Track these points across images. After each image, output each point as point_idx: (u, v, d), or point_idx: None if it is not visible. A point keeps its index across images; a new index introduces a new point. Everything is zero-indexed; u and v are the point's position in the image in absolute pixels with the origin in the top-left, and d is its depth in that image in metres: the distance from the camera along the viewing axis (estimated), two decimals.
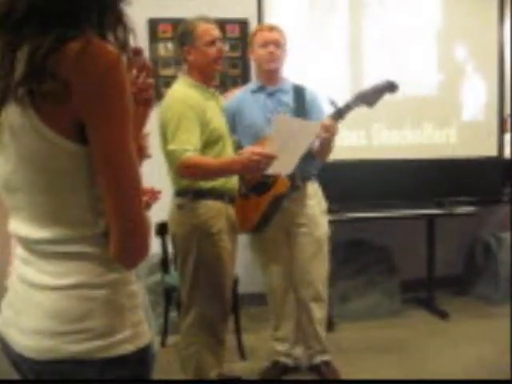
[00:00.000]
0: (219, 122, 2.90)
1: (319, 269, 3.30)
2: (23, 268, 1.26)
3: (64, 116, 1.12)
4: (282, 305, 3.41)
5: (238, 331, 3.80)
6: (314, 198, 3.30)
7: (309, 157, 3.16)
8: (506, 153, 4.92)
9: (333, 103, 3.02)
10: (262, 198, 3.17)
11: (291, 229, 3.29)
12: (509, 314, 3.97)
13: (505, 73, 4.85)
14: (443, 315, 4.48)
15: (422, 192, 4.61)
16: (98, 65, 1.09)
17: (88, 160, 1.15)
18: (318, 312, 3.34)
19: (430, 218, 4.68)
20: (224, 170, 2.81)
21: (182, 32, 2.95)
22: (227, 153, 2.90)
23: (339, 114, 3.01)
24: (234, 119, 3.21)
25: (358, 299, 4.51)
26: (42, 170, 1.17)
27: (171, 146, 2.74)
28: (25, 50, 1.12)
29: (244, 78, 4.67)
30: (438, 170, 4.65)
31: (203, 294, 2.89)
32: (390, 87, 2.99)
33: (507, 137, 4.95)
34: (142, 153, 1.53)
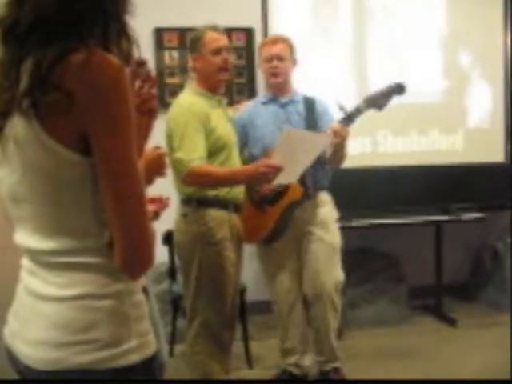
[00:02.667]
0: (225, 131, 2.90)
1: (333, 276, 3.26)
2: (29, 279, 1.27)
3: (68, 127, 1.12)
4: (289, 316, 3.38)
5: (245, 339, 3.79)
6: (326, 206, 3.29)
7: (321, 165, 3.17)
8: None
9: (342, 108, 3.01)
10: (274, 208, 3.16)
11: (303, 237, 3.27)
12: None
13: (510, 78, 4.84)
14: (451, 322, 4.46)
15: (428, 198, 4.60)
16: (101, 76, 1.10)
17: (92, 171, 1.16)
18: (331, 320, 3.29)
19: (438, 225, 4.67)
20: (231, 180, 2.83)
21: (190, 40, 2.97)
22: (232, 161, 2.91)
23: (349, 118, 3.00)
24: (245, 131, 3.23)
25: (366, 306, 4.50)
26: (46, 181, 1.17)
27: (178, 155, 2.75)
28: (29, 61, 1.13)
29: (249, 87, 4.68)
30: (445, 176, 4.64)
31: (207, 303, 2.89)
32: (398, 89, 3.00)
33: None
34: (159, 171, 1.54)
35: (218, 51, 2.87)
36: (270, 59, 3.19)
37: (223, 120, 2.93)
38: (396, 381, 3.42)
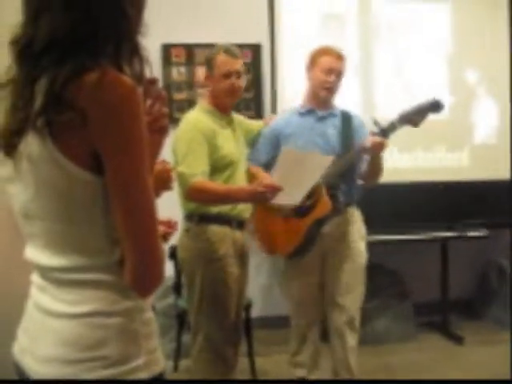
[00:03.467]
0: (231, 149, 2.91)
1: (355, 296, 3.22)
2: (39, 295, 1.28)
3: (81, 145, 1.14)
4: (308, 332, 3.31)
5: (250, 355, 3.78)
6: (355, 224, 3.23)
7: (353, 181, 3.14)
8: None
9: (376, 123, 2.96)
10: (303, 221, 3.08)
11: (330, 254, 3.20)
12: None
13: None
14: (457, 339, 4.44)
15: (434, 215, 4.60)
16: (114, 95, 1.12)
17: (104, 189, 1.17)
18: (351, 340, 3.24)
19: (443, 241, 4.66)
20: (230, 198, 2.84)
21: (206, 57, 2.99)
22: (237, 179, 2.92)
23: (383, 133, 2.94)
24: (278, 139, 3.17)
25: (371, 323, 4.48)
26: (59, 198, 1.19)
27: (181, 169, 2.78)
28: (43, 81, 1.15)
29: (256, 102, 4.70)
30: (451, 193, 4.64)
31: (209, 318, 2.89)
32: (435, 107, 2.90)
33: None
34: (165, 185, 1.55)
35: (227, 75, 2.87)
36: (329, 72, 3.10)
37: (231, 139, 2.95)
38: (396, 381, 3.39)
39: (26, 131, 1.16)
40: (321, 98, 3.17)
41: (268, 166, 3.09)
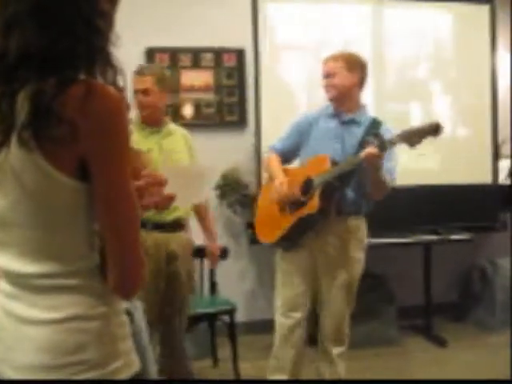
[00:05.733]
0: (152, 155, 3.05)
1: (344, 310, 3.21)
2: (10, 303, 1.26)
3: (68, 155, 1.16)
4: (290, 332, 3.25)
5: (234, 359, 3.77)
6: (355, 233, 3.20)
7: (361, 192, 3.12)
8: (501, 179, 4.95)
9: (377, 135, 2.96)
10: (294, 214, 3.12)
11: (325, 259, 3.18)
12: (506, 341, 3.97)
13: (498, 100, 4.90)
14: (441, 342, 4.47)
15: (417, 219, 4.62)
16: (104, 108, 1.14)
17: (88, 197, 1.19)
18: (337, 356, 3.24)
19: (426, 245, 4.69)
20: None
21: None
22: None
23: (381, 147, 2.90)
24: (303, 133, 3.26)
25: (355, 327, 4.45)
26: (42, 206, 1.19)
27: None
28: (24, 93, 1.15)
29: (240, 107, 4.70)
30: (434, 196, 4.66)
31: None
32: (434, 131, 2.88)
33: (502, 163, 4.99)
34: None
35: (135, 92, 3.14)
36: (322, 77, 3.23)
37: (153, 148, 3.10)
38: (396, 381, 3.40)
39: (8, 143, 1.16)
40: (328, 99, 3.25)
41: (284, 155, 3.30)
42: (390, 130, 3.14)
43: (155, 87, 3.17)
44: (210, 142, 4.62)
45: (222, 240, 4.45)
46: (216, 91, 4.68)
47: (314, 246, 3.17)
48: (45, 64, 1.16)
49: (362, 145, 3.04)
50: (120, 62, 1.25)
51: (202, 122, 4.66)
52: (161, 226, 3.11)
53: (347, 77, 3.16)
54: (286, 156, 3.32)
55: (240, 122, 4.71)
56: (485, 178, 4.88)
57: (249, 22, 4.50)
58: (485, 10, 4.86)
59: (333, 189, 3.04)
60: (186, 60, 4.62)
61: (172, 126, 3.32)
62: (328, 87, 3.20)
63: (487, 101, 4.90)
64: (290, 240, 3.19)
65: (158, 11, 4.52)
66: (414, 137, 2.87)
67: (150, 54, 4.53)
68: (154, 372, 3.38)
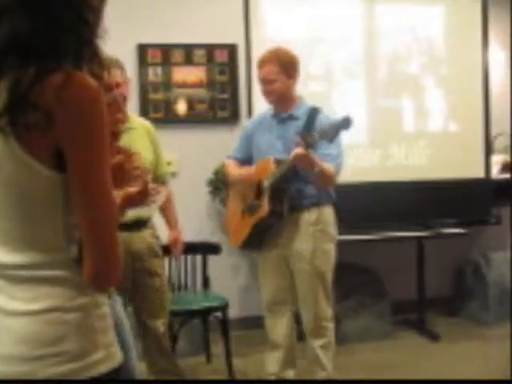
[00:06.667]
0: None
1: (319, 302, 3.25)
2: None
3: (44, 144, 1.16)
4: (276, 326, 3.35)
5: (227, 355, 3.77)
6: (316, 225, 3.22)
7: (303, 186, 3.18)
8: (493, 173, 4.96)
9: (302, 135, 3.04)
10: (250, 218, 3.23)
11: (289, 254, 3.25)
12: (500, 335, 3.99)
13: (490, 94, 4.90)
14: (434, 337, 4.48)
15: (410, 214, 4.63)
16: (81, 97, 1.15)
17: (64, 187, 1.20)
18: (319, 348, 3.27)
19: (419, 240, 4.70)
20: None
21: None
22: None
23: (307, 144, 2.98)
24: (251, 137, 3.38)
25: (348, 322, 4.50)
26: (20, 196, 1.21)
27: None
28: (6, 81, 1.17)
29: (233, 103, 4.70)
30: (426, 191, 4.67)
31: None
32: (345, 124, 2.96)
33: (494, 158, 5.00)
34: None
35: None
36: (260, 81, 3.28)
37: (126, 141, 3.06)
38: (395, 381, 3.41)
39: None
40: (269, 103, 3.34)
41: (243, 163, 3.38)
42: (329, 116, 3.25)
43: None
44: (202, 137, 4.63)
45: (214, 236, 4.46)
46: (208, 87, 4.68)
47: (280, 243, 3.24)
48: (30, 53, 1.17)
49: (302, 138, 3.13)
50: (107, 56, 1.27)
51: (195, 118, 4.66)
52: (123, 226, 3.05)
53: (285, 82, 3.25)
54: (244, 164, 3.41)
55: (232, 118, 4.71)
56: (477, 172, 4.89)
57: (241, 18, 4.49)
58: (477, 5, 4.86)
59: (280, 190, 3.12)
60: (178, 56, 4.61)
61: (135, 121, 3.20)
62: (267, 93, 3.28)
63: (479, 96, 4.91)
64: (252, 242, 3.30)
65: (149, 7, 4.50)
66: (330, 132, 2.96)
67: (142, 50, 4.52)
68: (136, 364, 3.42)
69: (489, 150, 4.91)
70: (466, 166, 4.88)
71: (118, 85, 2.92)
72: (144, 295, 3.16)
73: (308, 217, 3.22)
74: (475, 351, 4.15)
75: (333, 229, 3.31)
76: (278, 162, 3.11)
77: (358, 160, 4.70)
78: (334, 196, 3.32)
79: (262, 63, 3.25)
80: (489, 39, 4.89)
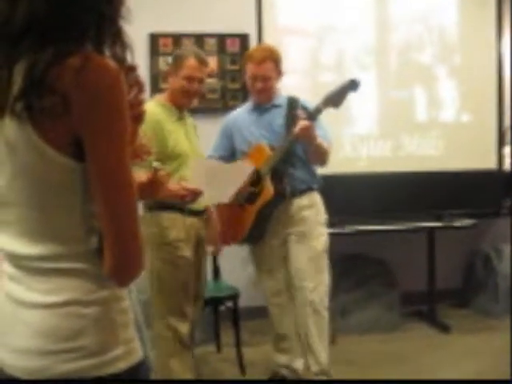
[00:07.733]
0: (179, 141, 3.00)
1: (315, 280, 3.26)
2: (11, 285, 1.23)
3: (62, 131, 1.11)
4: (280, 318, 3.40)
5: (237, 345, 3.78)
6: (312, 208, 3.31)
7: (303, 165, 3.25)
8: (505, 165, 4.93)
9: (304, 108, 3.15)
10: (252, 207, 3.24)
11: (286, 239, 3.31)
12: (509, 327, 3.97)
13: (503, 86, 4.86)
14: (444, 328, 4.47)
15: (421, 205, 4.62)
16: (99, 81, 1.09)
17: (83, 177, 1.14)
18: (314, 326, 3.25)
19: (430, 231, 4.68)
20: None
21: (175, 54, 3.13)
22: (184, 171, 2.96)
23: (310, 116, 3.07)
24: (232, 134, 3.40)
25: (358, 313, 4.50)
26: (37, 185, 1.15)
27: None
28: (23, 64, 1.11)
29: (244, 92, 4.68)
30: (438, 182, 4.65)
31: (163, 303, 3.01)
32: (352, 85, 3.05)
33: (506, 149, 4.97)
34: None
35: (190, 79, 2.99)
36: (254, 79, 3.25)
37: (180, 133, 3.04)
38: (395, 381, 3.41)
39: (2, 115, 1.13)
40: (256, 100, 3.37)
41: (226, 159, 3.30)
42: (308, 101, 3.30)
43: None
44: (213, 127, 4.59)
45: None
46: (220, 76, 4.67)
47: (276, 229, 3.29)
48: (48, 35, 1.11)
49: (288, 121, 3.21)
50: (130, 39, 1.20)
51: (206, 107, 4.65)
52: (196, 213, 3.07)
53: (277, 79, 3.31)
54: (225, 161, 3.34)
55: None
56: (489, 163, 4.86)
57: (252, 7, 4.48)
58: None
59: (279, 171, 3.19)
60: (189, 45, 4.59)
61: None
62: (263, 90, 3.27)
63: (493, 86, 4.87)
64: (258, 230, 3.30)
65: None
66: (335, 97, 3.04)
67: (154, 39, 4.51)
68: (151, 355, 3.44)
69: (501, 142, 4.88)
70: (478, 157, 4.86)
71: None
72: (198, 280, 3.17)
73: (303, 202, 3.29)
74: (484, 343, 4.14)
75: (323, 213, 3.38)
76: (272, 148, 3.19)
77: (370, 151, 4.69)
78: (321, 182, 3.39)
79: (262, 61, 3.22)
80: (503, 28, 4.84)
